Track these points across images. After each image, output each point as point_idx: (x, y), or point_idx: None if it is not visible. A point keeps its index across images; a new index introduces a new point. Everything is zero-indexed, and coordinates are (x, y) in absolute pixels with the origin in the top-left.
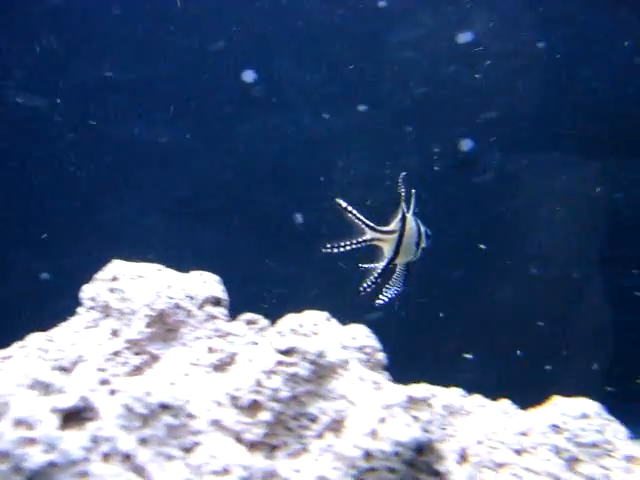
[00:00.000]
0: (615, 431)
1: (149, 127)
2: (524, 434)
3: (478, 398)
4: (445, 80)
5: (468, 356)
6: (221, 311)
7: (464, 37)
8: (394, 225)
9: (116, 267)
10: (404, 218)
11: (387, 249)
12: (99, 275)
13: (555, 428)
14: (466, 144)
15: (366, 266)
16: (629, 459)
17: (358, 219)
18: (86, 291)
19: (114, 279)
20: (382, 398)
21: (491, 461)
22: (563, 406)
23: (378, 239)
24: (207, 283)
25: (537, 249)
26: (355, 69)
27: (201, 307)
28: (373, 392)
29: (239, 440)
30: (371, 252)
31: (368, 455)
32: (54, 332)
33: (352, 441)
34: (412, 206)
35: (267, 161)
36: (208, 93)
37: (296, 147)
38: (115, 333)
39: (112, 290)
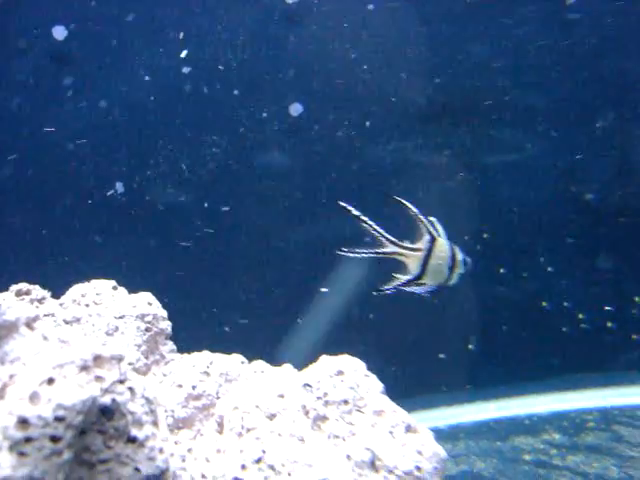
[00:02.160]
0: (370, 387)
1: None
2: (281, 396)
3: (259, 364)
4: (274, 42)
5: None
6: None
7: None
8: (421, 244)
9: None
10: (433, 239)
11: (412, 266)
12: None
13: (307, 387)
14: (295, 109)
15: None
16: (378, 413)
17: (377, 232)
18: None
19: None
20: (58, 357)
21: (241, 426)
22: (323, 365)
23: (400, 254)
24: None
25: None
26: (178, 30)
27: None
28: (53, 351)
29: None
30: None
31: (24, 422)
32: None
33: (8, 408)
34: (441, 230)
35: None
36: None
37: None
38: None
39: None
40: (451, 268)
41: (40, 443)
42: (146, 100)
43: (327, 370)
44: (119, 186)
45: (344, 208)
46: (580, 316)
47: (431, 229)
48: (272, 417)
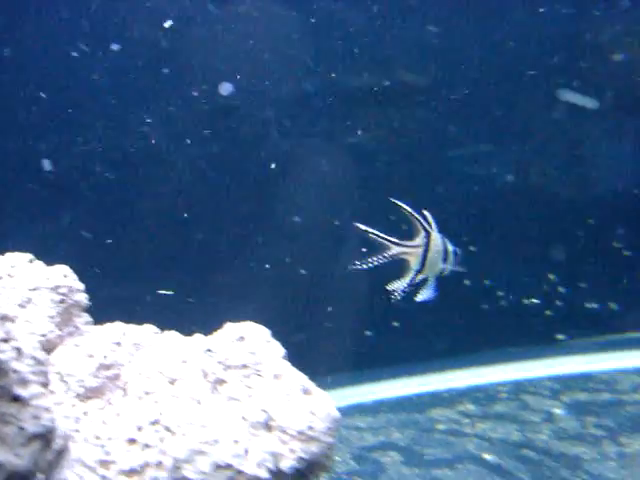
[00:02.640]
0: (271, 352)
1: None
2: (184, 362)
3: (171, 334)
4: (204, 20)
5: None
6: None
7: None
8: (419, 240)
9: None
10: (429, 234)
11: (413, 262)
12: None
13: (209, 352)
14: (225, 88)
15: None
16: (277, 377)
17: (382, 238)
18: None
19: None
20: None
21: (143, 391)
22: (226, 331)
23: (404, 252)
24: None
25: (298, 198)
26: (104, 6)
27: None
28: None
29: None
30: None
31: None
32: None
33: None
34: (433, 224)
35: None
36: None
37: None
38: None
39: None
40: (444, 259)
41: None
42: (75, 77)
43: (230, 336)
44: (46, 163)
45: (358, 228)
46: (499, 294)
47: (425, 225)
48: (173, 382)
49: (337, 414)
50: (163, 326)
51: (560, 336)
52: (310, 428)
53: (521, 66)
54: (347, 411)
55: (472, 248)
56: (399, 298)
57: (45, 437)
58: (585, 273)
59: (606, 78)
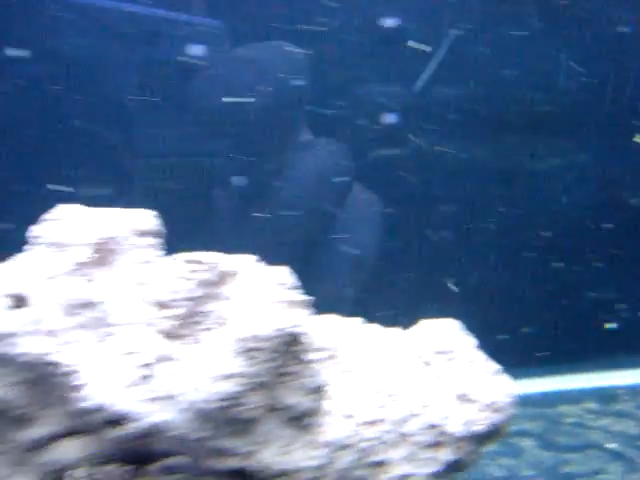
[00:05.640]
0: (465, 343)
1: None
2: (400, 346)
3: (374, 326)
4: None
5: None
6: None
7: None
8: None
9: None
10: None
11: None
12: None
13: (417, 339)
14: None
15: None
16: (471, 362)
17: None
18: (34, 231)
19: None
20: (267, 297)
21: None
22: (426, 325)
23: None
24: (140, 217)
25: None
26: None
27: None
28: (262, 293)
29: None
30: None
31: (255, 338)
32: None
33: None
34: None
35: None
36: None
37: None
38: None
39: (57, 227)
40: None
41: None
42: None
43: (428, 329)
44: None
45: None
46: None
47: None
48: (393, 361)
49: (516, 392)
50: None
51: None
52: (497, 402)
53: None
54: None
55: (599, 264)
56: None
57: (318, 391)
58: None
59: None
